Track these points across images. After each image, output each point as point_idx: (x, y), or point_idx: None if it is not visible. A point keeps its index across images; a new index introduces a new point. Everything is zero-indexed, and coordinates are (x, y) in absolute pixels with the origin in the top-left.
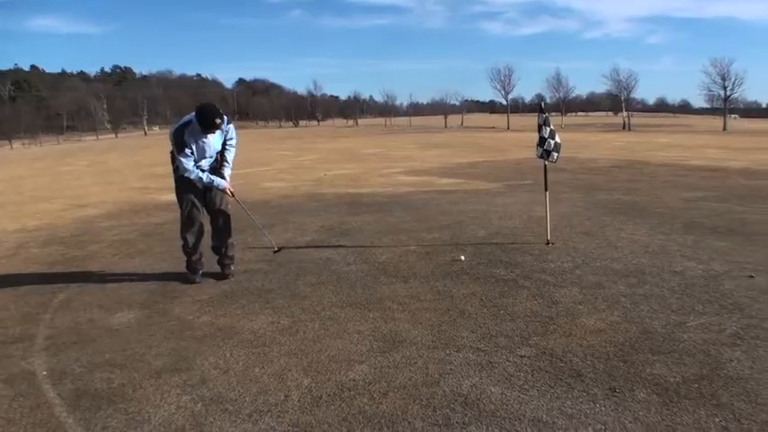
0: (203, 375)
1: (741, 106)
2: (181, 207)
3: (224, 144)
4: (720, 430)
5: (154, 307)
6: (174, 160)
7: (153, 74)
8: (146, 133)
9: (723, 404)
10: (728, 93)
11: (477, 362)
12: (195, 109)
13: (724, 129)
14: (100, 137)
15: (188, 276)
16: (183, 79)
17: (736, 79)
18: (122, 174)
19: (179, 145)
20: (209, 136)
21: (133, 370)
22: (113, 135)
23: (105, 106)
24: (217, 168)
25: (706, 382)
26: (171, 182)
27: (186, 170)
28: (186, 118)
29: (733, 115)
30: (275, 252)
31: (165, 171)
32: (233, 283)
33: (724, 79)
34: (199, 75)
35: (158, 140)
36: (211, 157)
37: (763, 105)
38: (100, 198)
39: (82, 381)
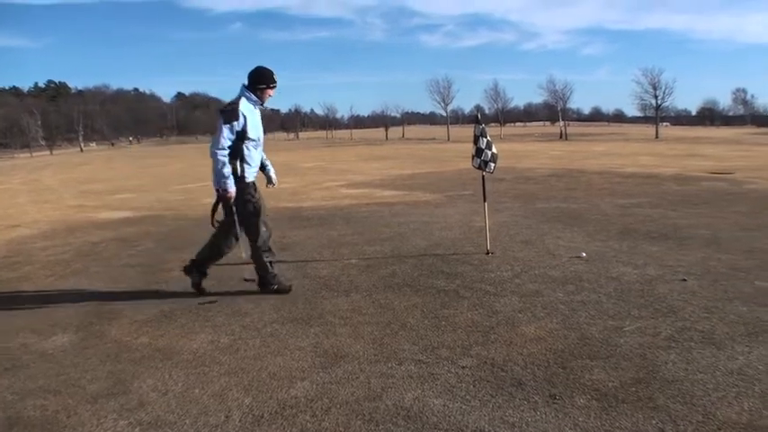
0: (141, 398)
1: (672, 114)
2: (257, 217)
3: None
4: None
5: (90, 329)
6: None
7: (89, 89)
8: (82, 149)
9: (660, 407)
10: (659, 101)
11: (420, 374)
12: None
13: (656, 136)
14: (34, 154)
15: (281, 281)
16: (120, 94)
17: (666, 88)
18: (57, 192)
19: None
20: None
21: (68, 396)
22: (48, 152)
23: (39, 122)
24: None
25: (643, 386)
26: (111, 199)
27: (220, 159)
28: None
29: (664, 123)
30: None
31: (103, 188)
32: (172, 302)
33: (655, 88)
34: (136, 89)
35: (96, 157)
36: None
37: (693, 113)
38: (33, 217)
39: (14, 408)
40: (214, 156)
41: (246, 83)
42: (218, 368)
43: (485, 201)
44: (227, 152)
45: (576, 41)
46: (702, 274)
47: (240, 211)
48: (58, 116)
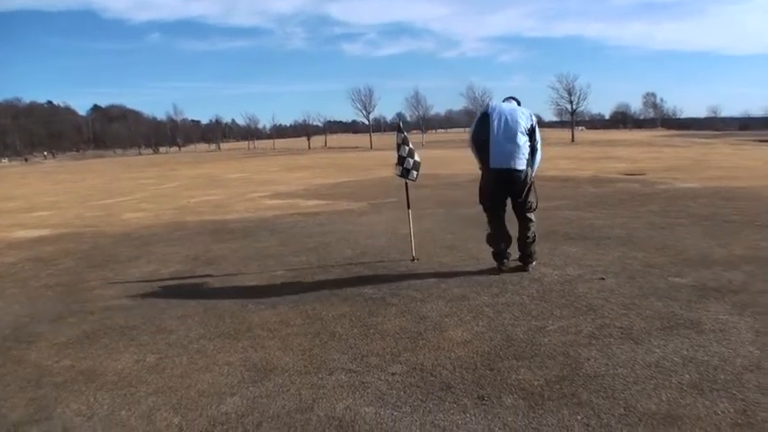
0: (65, 424)
1: (587, 118)
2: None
3: None
4: (583, 427)
5: (7, 354)
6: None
7: (0, 102)
8: None
9: (584, 402)
10: (575, 106)
11: (350, 383)
12: None
13: (572, 140)
14: None
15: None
16: (34, 107)
17: (580, 93)
18: None
19: None
20: None
21: None
22: None
23: None
24: None
25: (567, 383)
26: (26, 217)
27: None
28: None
29: (580, 127)
30: None
31: (17, 206)
32: (93, 323)
33: (570, 94)
34: (50, 102)
35: (8, 173)
36: None
37: (607, 117)
38: None
39: None
40: None
41: None
42: (145, 388)
43: (409, 208)
44: None
45: (495, 49)
46: (619, 272)
47: None
48: None
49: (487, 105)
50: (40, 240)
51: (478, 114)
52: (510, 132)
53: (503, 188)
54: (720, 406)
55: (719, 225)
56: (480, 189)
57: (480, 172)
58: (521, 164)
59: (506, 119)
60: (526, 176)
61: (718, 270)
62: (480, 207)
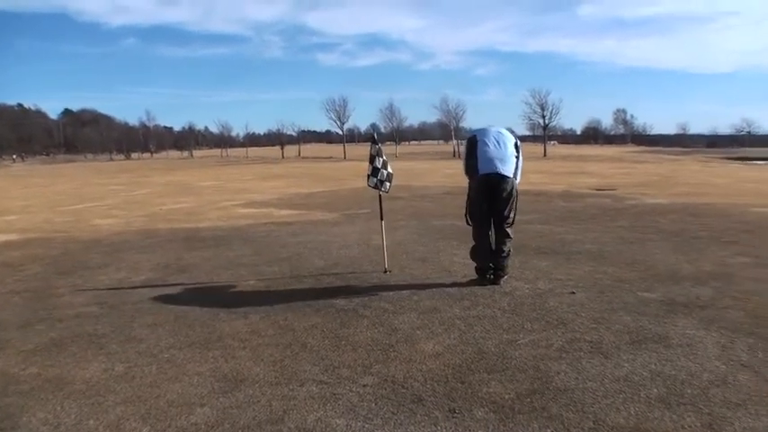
0: None
1: (559, 133)
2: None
3: None
4: None
5: None
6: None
7: None
8: None
9: (554, 415)
10: (547, 121)
11: (321, 395)
12: None
13: (545, 155)
14: None
15: None
16: (3, 109)
17: (553, 108)
18: None
19: None
20: None
21: None
22: None
23: None
24: None
25: (537, 396)
26: None
27: None
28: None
29: (552, 142)
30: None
31: None
32: (61, 330)
33: (543, 108)
34: (20, 104)
35: None
36: None
37: (578, 132)
38: None
39: None
40: None
41: None
42: (114, 397)
43: (382, 219)
44: None
45: (469, 62)
46: (589, 286)
47: None
48: None
49: (473, 133)
50: (8, 245)
51: (466, 142)
52: (498, 144)
53: (491, 196)
54: (687, 420)
55: (688, 241)
56: (469, 200)
57: (468, 188)
58: (509, 171)
59: (494, 135)
60: (512, 187)
61: (687, 285)
62: (454, 220)
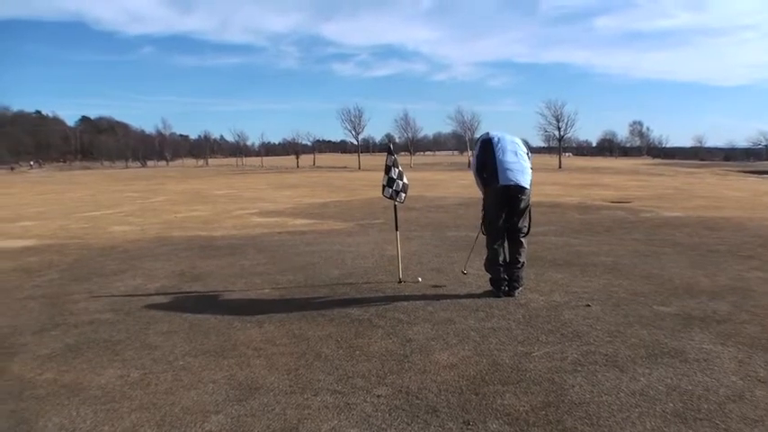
0: None
1: (574, 145)
2: None
3: None
4: None
5: None
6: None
7: None
8: None
9: (568, 429)
10: (562, 133)
11: (335, 404)
12: None
13: (560, 166)
14: None
15: None
16: (21, 116)
17: (568, 120)
18: None
19: None
20: None
21: None
22: None
23: None
24: None
25: (552, 409)
26: (11, 227)
27: None
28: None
29: (567, 153)
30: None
31: (1, 215)
32: (77, 336)
33: (558, 120)
34: (39, 112)
35: None
36: None
37: (594, 144)
38: None
39: None
40: None
41: None
42: (129, 404)
43: (396, 230)
44: None
45: (484, 73)
46: (605, 299)
47: None
48: None
49: (487, 133)
50: (25, 251)
51: (479, 143)
52: (515, 155)
53: (509, 206)
54: None
55: (704, 255)
56: (485, 210)
57: (483, 196)
58: (527, 182)
59: (509, 143)
60: (529, 198)
61: (703, 299)
62: (469, 231)
